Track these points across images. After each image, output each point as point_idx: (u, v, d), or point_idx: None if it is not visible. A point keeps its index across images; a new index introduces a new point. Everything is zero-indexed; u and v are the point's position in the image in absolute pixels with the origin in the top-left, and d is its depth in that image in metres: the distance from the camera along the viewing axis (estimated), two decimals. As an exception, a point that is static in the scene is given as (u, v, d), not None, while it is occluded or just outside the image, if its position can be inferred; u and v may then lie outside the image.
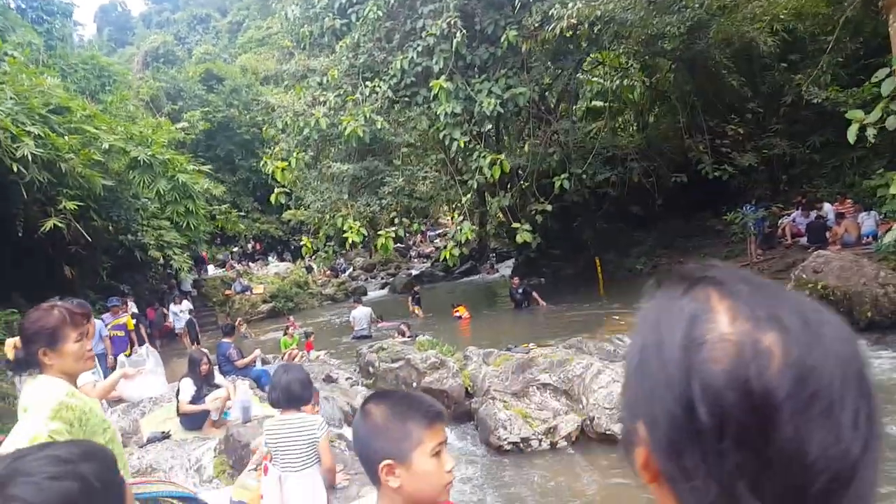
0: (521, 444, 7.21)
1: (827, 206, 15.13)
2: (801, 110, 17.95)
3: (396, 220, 14.87)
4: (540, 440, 7.20)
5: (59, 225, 12.29)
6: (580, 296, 17.47)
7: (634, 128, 20.69)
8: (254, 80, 41.11)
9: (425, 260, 35.36)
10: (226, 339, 9.48)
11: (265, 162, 16.95)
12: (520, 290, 16.03)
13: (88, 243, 14.75)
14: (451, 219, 28.78)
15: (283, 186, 16.31)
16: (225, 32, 68.35)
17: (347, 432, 6.82)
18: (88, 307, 2.52)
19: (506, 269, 27.64)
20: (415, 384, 9.42)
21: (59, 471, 1.00)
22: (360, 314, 15.11)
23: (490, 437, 7.39)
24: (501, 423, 7.38)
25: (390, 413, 1.48)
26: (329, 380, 10.36)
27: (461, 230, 14.34)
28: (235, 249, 36.54)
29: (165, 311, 16.93)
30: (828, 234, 13.75)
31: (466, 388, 8.78)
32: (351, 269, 33.49)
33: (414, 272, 30.37)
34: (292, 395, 3.37)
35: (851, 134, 8.20)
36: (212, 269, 26.98)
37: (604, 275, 18.92)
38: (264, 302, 24.07)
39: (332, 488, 3.54)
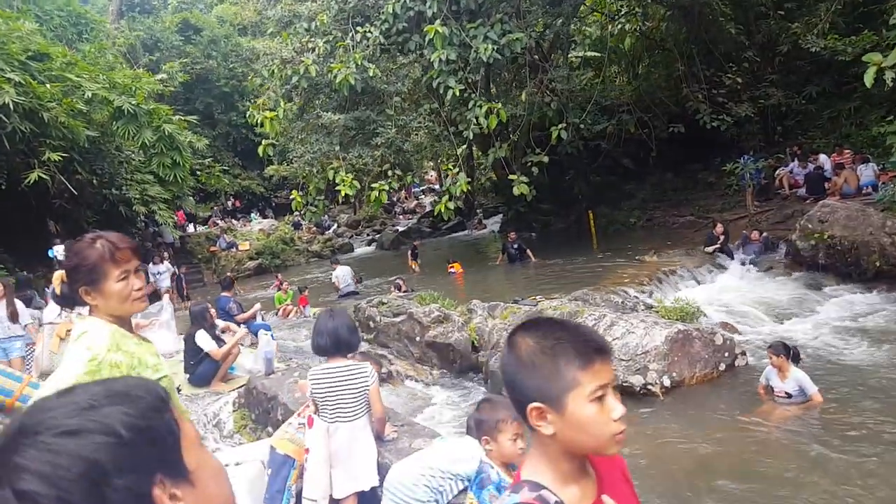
0: (536, 395, 7.11)
1: (823, 157, 15.04)
2: (796, 60, 17.83)
3: (389, 173, 14.49)
4: (555, 391, 7.10)
5: (44, 177, 11.82)
6: (573, 249, 17.35)
7: (626, 78, 20.35)
8: (232, 31, 39.82)
9: (410, 216, 35.05)
10: (225, 294, 9.20)
11: (251, 113, 16.37)
12: (515, 245, 15.85)
13: (73, 197, 14.29)
14: (442, 172, 28.31)
15: (270, 138, 15.80)
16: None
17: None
18: (134, 241, 2.25)
19: (493, 224, 27.49)
20: (418, 338, 9.29)
21: (76, 423, 0.76)
22: (342, 273, 14.85)
23: (503, 390, 7.28)
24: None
25: (539, 347, 1.26)
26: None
27: (456, 182, 14.04)
28: (214, 207, 35.84)
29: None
30: (826, 185, 13.68)
31: (473, 342, 8.65)
32: (335, 226, 33.09)
33: (400, 228, 30.08)
34: (340, 340, 3.16)
35: (869, 77, 8.01)
36: (190, 228, 26.36)
37: (596, 228, 18.83)
38: (250, 259, 23.71)
39: (379, 439, 3.36)
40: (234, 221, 31.91)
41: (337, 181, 14.11)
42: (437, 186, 39.52)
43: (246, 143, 36.18)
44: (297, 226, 29.61)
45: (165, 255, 14.60)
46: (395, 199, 38.15)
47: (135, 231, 20.21)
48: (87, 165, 14.10)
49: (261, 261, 23.62)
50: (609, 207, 19.47)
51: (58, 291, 2.15)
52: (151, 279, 13.63)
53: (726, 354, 7.18)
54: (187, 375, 6.49)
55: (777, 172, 16.52)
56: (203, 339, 6.26)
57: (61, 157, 12.11)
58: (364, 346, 10.00)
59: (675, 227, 17.65)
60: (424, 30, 13.40)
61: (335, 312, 3.31)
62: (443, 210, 14.25)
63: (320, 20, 14.69)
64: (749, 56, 18.13)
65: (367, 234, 31.24)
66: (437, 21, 13.31)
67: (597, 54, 18.26)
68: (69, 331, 5.55)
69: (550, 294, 11.03)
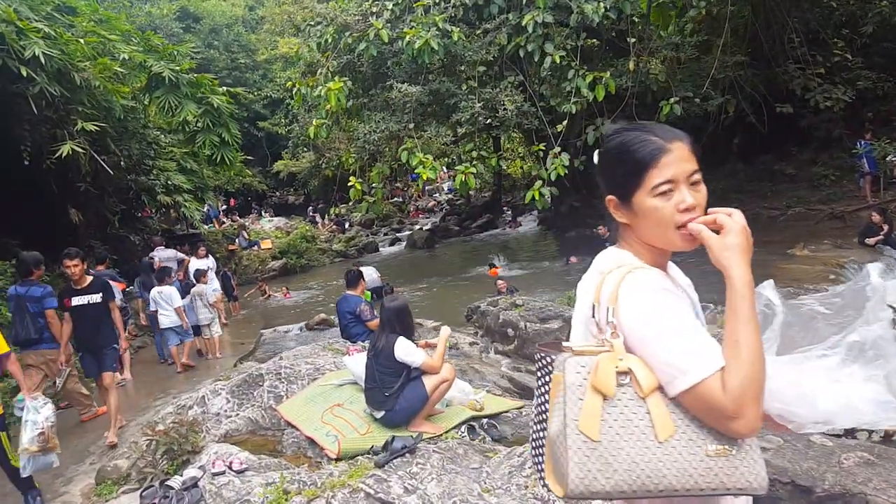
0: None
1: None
2: (882, 42, 16.34)
3: (475, 154, 12.43)
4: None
5: (78, 150, 9.56)
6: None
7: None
8: (235, 21, 37.51)
9: (428, 215, 32.97)
10: (351, 292, 7.04)
11: (297, 90, 14.26)
12: (607, 244, 13.80)
13: (96, 182, 12.02)
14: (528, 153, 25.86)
15: (325, 118, 13.63)
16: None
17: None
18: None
19: (529, 222, 25.57)
20: (587, 347, 7.26)
21: None
22: (367, 272, 12.58)
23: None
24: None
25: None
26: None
27: (553, 165, 12.04)
28: (205, 209, 33.41)
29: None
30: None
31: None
32: (347, 225, 30.86)
33: (427, 227, 27.98)
34: None
35: None
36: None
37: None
38: (273, 258, 21.45)
39: None
40: (241, 219, 29.47)
41: (413, 163, 12.04)
42: (446, 185, 37.55)
43: (248, 138, 33.88)
44: (313, 223, 27.38)
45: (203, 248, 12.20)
46: (404, 197, 36.09)
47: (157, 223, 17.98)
48: (118, 143, 11.83)
49: (285, 260, 21.37)
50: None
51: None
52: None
53: None
54: (375, 410, 4.40)
55: (888, 159, 14.89)
56: (407, 350, 4.25)
57: (97, 127, 9.86)
58: (506, 361, 7.98)
59: (779, 220, 15.87)
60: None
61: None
62: (536, 198, 12.21)
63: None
64: (826, 37, 16.56)
65: (386, 234, 29.11)
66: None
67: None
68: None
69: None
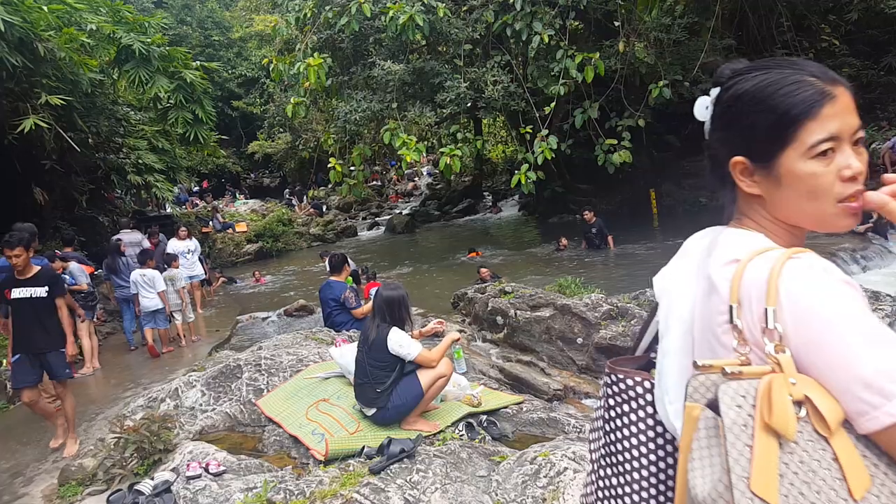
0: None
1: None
2: (867, 29, 16.29)
3: (459, 136, 12.04)
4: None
5: (42, 125, 9.00)
6: (638, 234, 15.24)
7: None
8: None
9: (407, 199, 32.52)
10: (335, 278, 6.65)
11: (274, 66, 13.73)
12: (593, 229, 13.56)
13: (62, 160, 11.43)
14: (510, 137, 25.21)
15: (303, 96, 13.11)
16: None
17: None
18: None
19: (510, 208, 25.25)
20: (580, 339, 6.99)
21: None
22: None
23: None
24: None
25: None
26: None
27: (540, 148, 11.71)
28: (175, 189, 32.51)
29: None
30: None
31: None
32: (325, 209, 30.29)
33: (405, 212, 27.54)
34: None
35: None
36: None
37: (659, 209, 16.82)
38: (249, 241, 20.90)
39: None
40: (215, 201, 28.75)
41: (396, 145, 11.63)
42: (425, 169, 37.05)
43: (222, 118, 33.03)
44: (289, 206, 26.77)
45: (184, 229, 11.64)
46: (387, 180, 35.56)
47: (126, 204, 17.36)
48: (85, 119, 11.23)
49: (261, 244, 20.84)
50: (673, 185, 17.44)
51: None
52: (183, 259, 10.63)
53: None
54: (366, 407, 4.06)
55: (872, 147, 14.80)
56: (402, 341, 3.91)
57: (63, 101, 9.29)
58: (495, 350, 7.68)
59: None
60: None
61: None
62: (522, 183, 11.88)
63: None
64: (812, 24, 16.48)
65: (364, 218, 28.62)
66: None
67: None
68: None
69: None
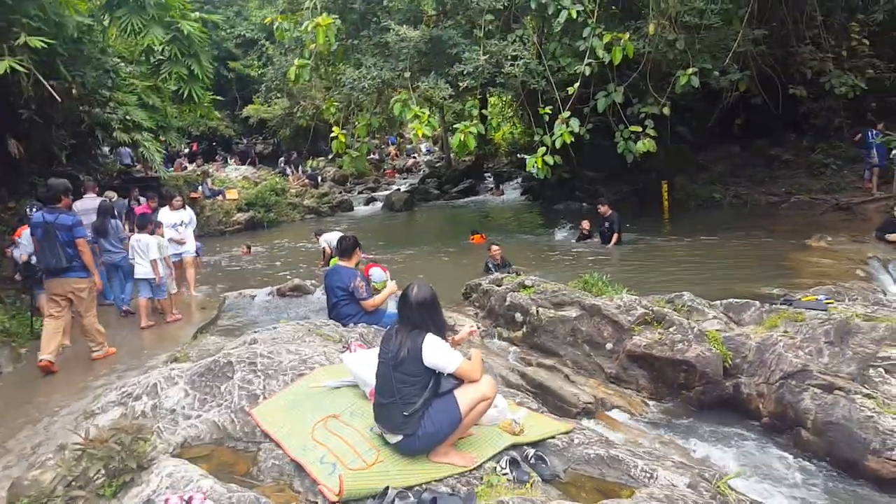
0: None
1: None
2: (892, 30, 15.65)
3: (475, 113, 11.22)
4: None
5: (19, 69, 8.08)
6: (650, 227, 14.53)
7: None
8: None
9: (405, 175, 31.60)
10: (344, 263, 5.84)
11: (278, 25, 12.75)
12: (607, 223, 12.83)
13: (42, 110, 10.48)
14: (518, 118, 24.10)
15: (308, 58, 12.17)
16: None
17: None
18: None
19: (512, 191, 24.45)
20: (610, 345, 6.28)
21: None
22: (333, 238, 10.91)
23: (865, 457, 4.37)
24: (889, 434, 4.36)
25: None
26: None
27: (560, 131, 10.90)
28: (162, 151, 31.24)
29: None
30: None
31: (725, 362, 5.67)
32: (320, 180, 29.30)
33: (403, 188, 26.66)
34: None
35: None
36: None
37: (671, 203, 16.11)
38: (239, 210, 19.98)
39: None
40: (206, 165, 27.63)
41: (408, 117, 10.80)
42: (424, 146, 36.06)
43: (217, 79, 31.72)
44: (283, 175, 25.75)
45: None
46: (385, 154, 34.57)
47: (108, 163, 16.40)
48: (69, 68, 10.26)
49: (252, 213, 19.93)
50: (686, 179, 16.73)
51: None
52: (174, 232, 9.42)
53: None
54: (389, 433, 3.31)
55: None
56: (440, 350, 3.17)
57: (45, 44, 8.36)
58: (513, 350, 6.95)
59: (781, 208, 15.12)
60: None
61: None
62: (538, 167, 11.08)
63: None
64: (837, 22, 15.71)
65: (360, 192, 27.69)
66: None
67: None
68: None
69: (746, 286, 8.23)
